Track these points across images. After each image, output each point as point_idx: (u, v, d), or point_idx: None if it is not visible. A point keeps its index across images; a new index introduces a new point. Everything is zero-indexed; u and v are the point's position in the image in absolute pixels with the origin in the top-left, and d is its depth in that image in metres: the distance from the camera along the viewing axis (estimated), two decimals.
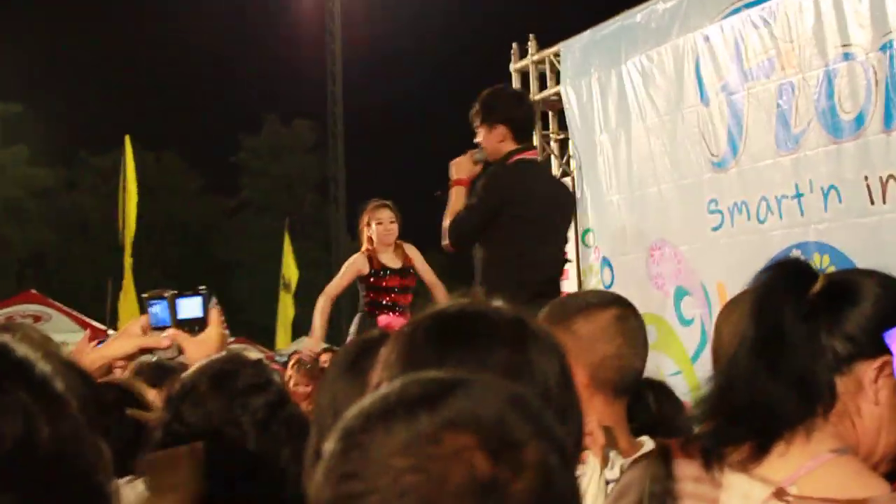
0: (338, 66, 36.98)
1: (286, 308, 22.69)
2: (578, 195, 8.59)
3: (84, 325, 15.53)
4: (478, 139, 5.78)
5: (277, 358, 20.72)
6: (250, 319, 37.63)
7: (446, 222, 5.70)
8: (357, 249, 7.15)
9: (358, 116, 38.62)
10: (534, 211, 5.68)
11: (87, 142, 40.29)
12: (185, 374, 2.31)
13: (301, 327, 33.39)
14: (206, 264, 38.61)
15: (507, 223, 5.60)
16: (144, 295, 2.99)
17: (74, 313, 17.41)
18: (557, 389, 1.43)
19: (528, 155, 5.83)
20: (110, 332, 13.47)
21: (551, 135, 10.18)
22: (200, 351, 2.76)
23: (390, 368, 1.44)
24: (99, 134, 37.64)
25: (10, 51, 36.95)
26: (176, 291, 2.93)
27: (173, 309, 2.89)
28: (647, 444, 2.48)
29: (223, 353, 2.57)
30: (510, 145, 5.71)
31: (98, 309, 19.35)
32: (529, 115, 5.95)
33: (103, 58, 42.79)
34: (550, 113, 10.13)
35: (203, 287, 2.87)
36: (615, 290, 7.81)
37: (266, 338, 30.00)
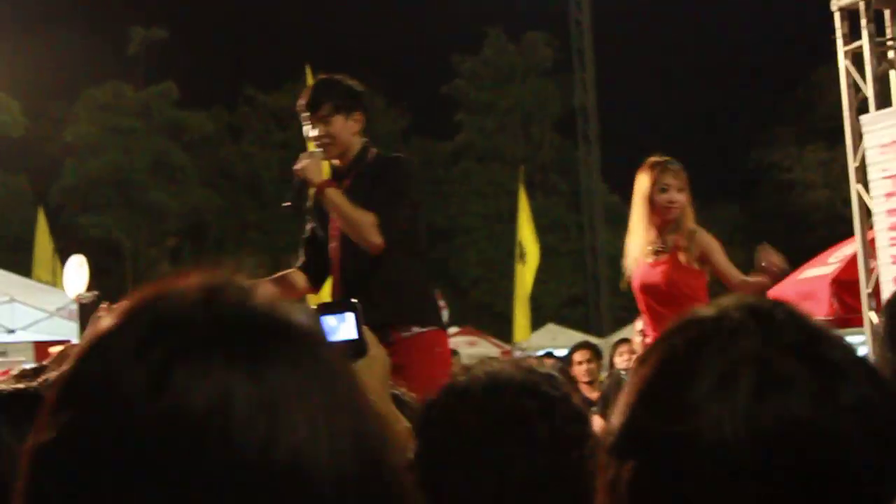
0: None
1: (524, 287, 22.66)
2: None
3: None
4: (318, 132, 6.38)
5: (518, 353, 20.81)
6: (479, 302, 37.70)
7: (368, 219, 6.21)
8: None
9: (610, 26, 38.34)
10: None
11: (254, 75, 41.23)
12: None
13: (542, 311, 33.31)
14: None
15: (419, 224, 6.44)
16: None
17: None
18: None
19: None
20: None
21: (889, 43, 9.93)
22: (367, 380, 2.76)
23: None
24: (268, 64, 38.63)
25: None
26: (319, 305, 2.89)
27: None
28: None
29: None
30: (359, 139, 6.46)
31: None
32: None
33: None
34: (887, 13, 9.92)
35: (352, 299, 2.87)
36: None
37: (499, 327, 30.21)
